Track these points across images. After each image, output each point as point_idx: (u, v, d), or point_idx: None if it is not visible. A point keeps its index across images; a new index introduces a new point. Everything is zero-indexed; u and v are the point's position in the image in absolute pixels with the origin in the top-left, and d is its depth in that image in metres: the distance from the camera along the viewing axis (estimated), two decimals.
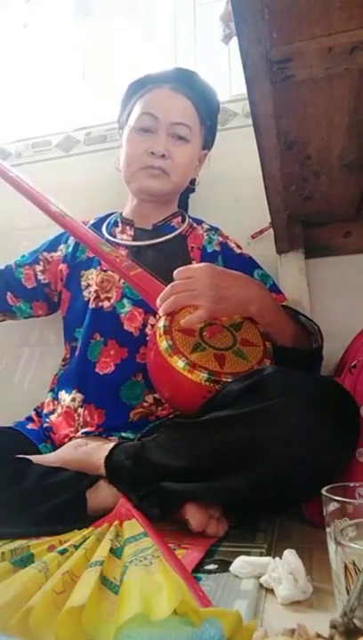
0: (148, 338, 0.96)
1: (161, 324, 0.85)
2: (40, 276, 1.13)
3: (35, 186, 1.10)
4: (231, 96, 1.30)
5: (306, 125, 0.73)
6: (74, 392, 0.99)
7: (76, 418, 0.96)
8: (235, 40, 0.62)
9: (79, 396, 0.98)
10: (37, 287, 1.13)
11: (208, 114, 1.09)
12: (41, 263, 1.14)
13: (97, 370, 0.98)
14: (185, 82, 1.06)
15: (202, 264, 0.87)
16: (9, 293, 1.13)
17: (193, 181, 1.14)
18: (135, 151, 1.04)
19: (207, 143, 1.13)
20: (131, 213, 1.12)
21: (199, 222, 1.14)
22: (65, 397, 1.00)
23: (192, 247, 1.08)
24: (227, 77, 1.35)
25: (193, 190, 1.19)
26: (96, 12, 1.59)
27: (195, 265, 0.88)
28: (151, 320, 0.98)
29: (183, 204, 1.18)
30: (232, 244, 1.10)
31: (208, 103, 1.09)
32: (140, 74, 1.09)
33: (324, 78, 0.62)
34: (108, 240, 1.08)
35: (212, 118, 1.11)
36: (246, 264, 1.06)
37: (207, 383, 0.78)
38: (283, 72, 0.60)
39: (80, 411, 0.96)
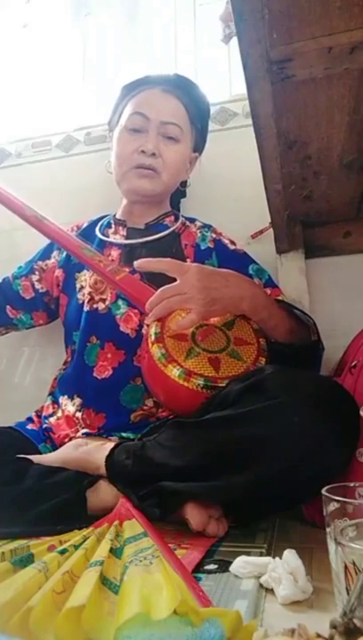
0: None
1: (152, 330, 0.83)
2: (37, 286, 1.13)
3: (7, 189, 1.06)
4: (231, 96, 1.30)
5: (306, 125, 0.73)
6: (74, 397, 0.99)
7: (76, 422, 0.96)
8: (235, 40, 0.62)
9: (78, 401, 0.98)
10: (36, 297, 1.13)
11: (199, 117, 1.09)
12: (36, 273, 1.14)
13: (95, 374, 0.98)
14: (176, 85, 1.06)
15: (192, 265, 0.85)
16: (8, 307, 1.13)
17: (184, 184, 1.13)
18: (125, 150, 1.03)
19: (198, 146, 1.13)
20: (123, 214, 1.12)
21: (192, 220, 1.13)
22: (65, 402, 1.00)
23: (186, 245, 1.07)
24: (227, 77, 1.35)
25: (184, 194, 1.18)
26: (96, 12, 1.59)
27: (186, 264, 0.86)
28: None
29: (175, 208, 1.17)
30: (226, 241, 1.09)
31: (199, 106, 1.09)
32: (140, 74, 1.09)
33: (324, 78, 0.62)
34: (100, 240, 1.08)
35: (202, 121, 1.11)
36: (240, 260, 1.06)
37: (204, 390, 0.78)
38: (283, 72, 0.60)
39: (79, 415, 0.96)
